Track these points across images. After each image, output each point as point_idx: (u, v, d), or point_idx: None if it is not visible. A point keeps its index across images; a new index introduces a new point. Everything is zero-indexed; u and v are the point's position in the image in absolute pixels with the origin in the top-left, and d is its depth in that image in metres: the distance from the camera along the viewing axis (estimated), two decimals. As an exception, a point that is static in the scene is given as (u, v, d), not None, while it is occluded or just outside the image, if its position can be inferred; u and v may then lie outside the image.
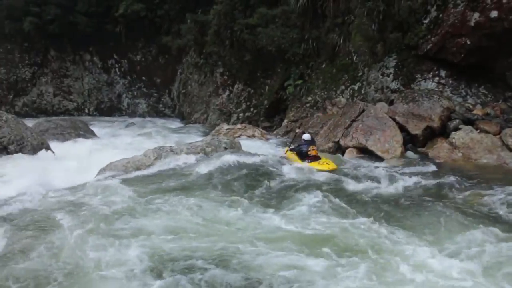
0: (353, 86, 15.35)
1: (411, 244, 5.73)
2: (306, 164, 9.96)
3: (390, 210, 7.23)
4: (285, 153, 11.19)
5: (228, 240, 5.85)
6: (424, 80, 13.73)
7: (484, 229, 6.04)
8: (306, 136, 10.74)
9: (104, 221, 6.56)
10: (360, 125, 12.08)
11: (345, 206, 7.32)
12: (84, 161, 11.95)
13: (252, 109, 19.38)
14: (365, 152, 11.69)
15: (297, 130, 12.78)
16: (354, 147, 11.88)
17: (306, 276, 4.89)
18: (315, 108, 16.16)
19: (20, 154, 11.62)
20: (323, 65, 16.79)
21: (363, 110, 12.58)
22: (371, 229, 6.24)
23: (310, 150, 10.30)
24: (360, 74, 15.30)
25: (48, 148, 12.85)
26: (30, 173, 9.89)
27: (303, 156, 10.34)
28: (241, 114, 19.56)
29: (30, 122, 15.47)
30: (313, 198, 7.67)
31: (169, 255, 5.48)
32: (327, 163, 9.99)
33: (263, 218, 6.79)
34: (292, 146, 11.35)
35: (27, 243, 5.91)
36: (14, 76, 28.26)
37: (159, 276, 4.97)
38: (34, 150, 12.19)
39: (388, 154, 11.19)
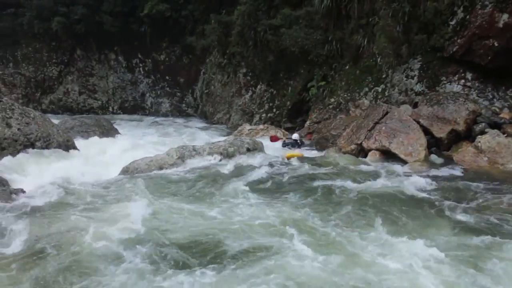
0: (376, 88, 15.22)
1: (420, 250, 5.71)
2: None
3: (410, 215, 7.14)
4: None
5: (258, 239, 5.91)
6: (449, 83, 13.53)
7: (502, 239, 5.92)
8: (295, 136, 13.50)
9: (123, 218, 6.66)
10: (383, 128, 11.97)
11: (363, 210, 7.30)
12: (108, 159, 12.15)
13: (274, 110, 19.37)
14: (388, 154, 11.58)
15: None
16: (377, 149, 11.78)
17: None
18: (338, 109, 16.07)
19: (46, 151, 11.85)
20: (347, 67, 16.69)
21: (387, 113, 12.46)
22: (381, 234, 6.22)
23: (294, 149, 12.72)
24: (384, 76, 15.16)
25: (73, 145, 13.08)
26: (55, 169, 10.13)
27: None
28: (264, 115, 19.57)
29: (56, 120, 15.77)
30: (336, 200, 7.69)
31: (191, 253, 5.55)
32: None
33: (288, 217, 6.80)
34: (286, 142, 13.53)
35: (51, 237, 6.05)
36: (42, 75, 28.82)
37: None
38: (59, 147, 12.43)
39: (411, 157, 11.06)
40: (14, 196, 7.99)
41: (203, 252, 5.69)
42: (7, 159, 10.88)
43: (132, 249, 5.71)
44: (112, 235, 6.06)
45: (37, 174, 9.99)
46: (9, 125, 11.63)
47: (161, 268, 5.30)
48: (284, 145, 13.47)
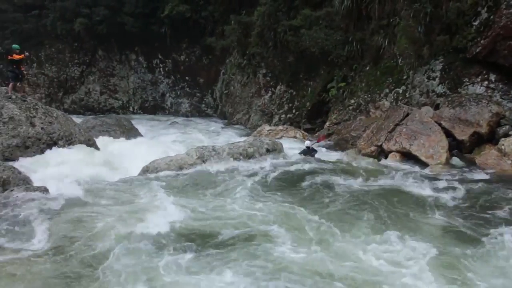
0: (397, 89, 15.08)
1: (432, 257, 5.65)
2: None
3: (429, 219, 7.04)
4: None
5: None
6: (472, 84, 13.30)
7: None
8: (307, 143, 12.84)
9: (143, 216, 6.74)
10: (404, 129, 11.86)
11: (378, 212, 7.26)
12: (128, 158, 12.28)
13: (294, 110, 19.34)
14: (408, 157, 11.47)
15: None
16: (397, 151, 11.68)
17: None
18: (358, 111, 15.97)
19: (68, 149, 12.04)
20: (367, 68, 16.58)
21: (408, 114, 12.34)
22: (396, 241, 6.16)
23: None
24: (405, 77, 15.01)
25: (94, 144, 13.26)
26: (77, 167, 10.28)
27: None
28: (283, 116, 19.56)
29: (77, 119, 16.01)
30: (355, 204, 7.66)
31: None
32: None
33: (306, 219, 6.79)
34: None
35: (73, 233, 6.17)
36: (64, 75, 29.32)
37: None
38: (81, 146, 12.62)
39: (432, 160, 10.92)
40: (37, 193, 8.12)
41: (216, 244, 5.89)
42: (31, 157, 11.10)
43: (152, 243, 5.80)
44: (132, 231, 6.15)
45: (59, 172, 10.15)
46: (33, 124, 11.86)
47: (180, 264, 5.36)
48: (301, 152, 12.81)
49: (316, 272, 5.20)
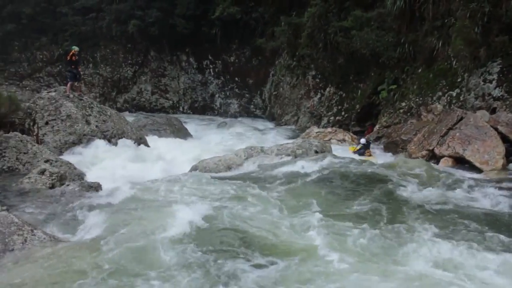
0: (451, 92, 14.60)
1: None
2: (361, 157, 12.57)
3: (483, 230, 6.70)
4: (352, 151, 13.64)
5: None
6: (532, 88, 12.73)
7: None
8: (362, 140, 13.71)
9: (191, 215, 6.83)
10: (457, 134, 11.49)
11: (426, 220, 7.01)
12: (178, 156, 12.54)
13: (343, 113, 19.13)
14: (461, 162, 11.11)
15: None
16: (449, 156, 11.34)
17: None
18: (409, 114, 15.59)
19: (121, 147, 12.44)
20: (419, 70, 16.16)
21: (461, 118, 11.94)
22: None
23: (366, 153, 13.23)
24: (459, 79, 14.51)
25: (145, 142, 13.63)
26: (129, 165, 10.61)
27: (361, 155, 13.12)
28: (332, 118, 19.39)
29: (129, 118, 16.48)
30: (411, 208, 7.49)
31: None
32: (373, 157, 12.92)
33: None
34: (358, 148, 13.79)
35: (123, 229, 6.36)
36: (118, 75, 30.32)
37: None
38: (133, 144, 13.01)
39: (487, 166, 10.52)
40: (90, 189, 8.44)
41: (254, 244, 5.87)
42: (85, 154, 11.56)
43: (197, 243, 5.88)
44: (179, 228, 6.25)
45: (112, 168, 10.52)
46: (88, 122, 12.35)
47: (227, 264, 5.41)
48: (359, 149, 13.62)
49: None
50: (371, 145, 14.03)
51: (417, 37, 16.21)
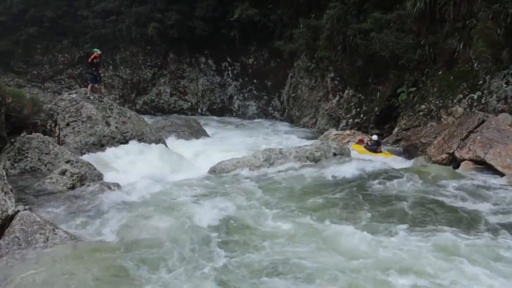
0: (472, 95, 14.40)
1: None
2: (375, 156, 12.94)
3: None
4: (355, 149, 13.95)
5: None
6: (556, 90, 12.47)
7: None
8: (375, 137, 14.21)
9: (210, 216, 6.89)
10: (478, 137, 11.31)
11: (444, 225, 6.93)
12: (196, 158, 12.62)
13: (362, 115, 19.01)
14: (483, 166, 10.90)
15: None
16: (470, 160, 11.15)
17: None
18: (428, 117, 15.41)
19: (140, 148, 12.55)
20: (440, 72, 15.96)
21: (483, 121, 11.76)
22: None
23: (378, 149, 13.77)
24: (480, 82, 14.30)
25: (164, 143, 13.74)
26: (147, 166, 10.72)
27: (373, 151, 13.66)
28: (350, 120, 19.28)
29: (149, 119, 16.62)
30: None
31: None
32: (387, 154, 13.56)
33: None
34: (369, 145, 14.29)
35: (142, 230, 6.43)
36: (137, 77, 30.65)
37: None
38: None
39: (509, 170, 10.33)
40: (110, 189, 8.55)
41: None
42: (105, 155, 11.70)
43: (216, 244, 5.92)
44: (195, 229, 6.31)
45: (131, 169, 10.63)
46: (108, 124, 12.50)
47: (252, 265, 5.44)
48: (371, 146, 14.13)
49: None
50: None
51: (437, 39, 16.02)
